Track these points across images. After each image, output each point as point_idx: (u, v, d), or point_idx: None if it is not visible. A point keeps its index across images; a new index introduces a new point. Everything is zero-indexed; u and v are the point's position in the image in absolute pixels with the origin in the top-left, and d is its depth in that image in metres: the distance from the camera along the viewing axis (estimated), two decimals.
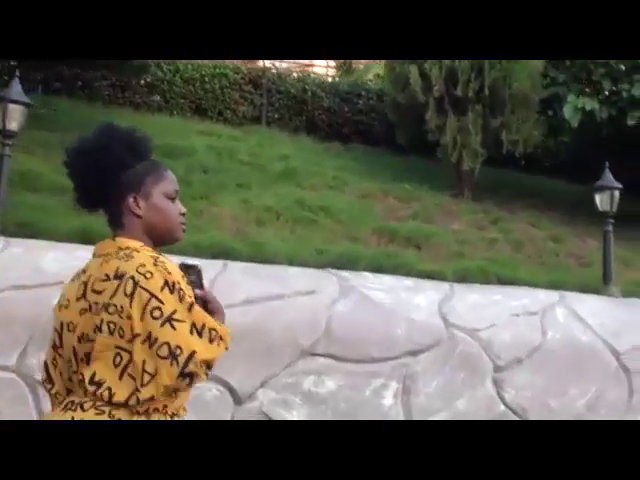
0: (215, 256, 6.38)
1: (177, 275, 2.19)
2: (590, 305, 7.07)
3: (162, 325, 2.11)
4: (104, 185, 2.31)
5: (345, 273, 6.58)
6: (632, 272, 8.58)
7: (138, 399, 2.12)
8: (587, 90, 9.33)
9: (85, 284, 2.25)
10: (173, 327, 2.11)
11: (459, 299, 6.62)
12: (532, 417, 6.30)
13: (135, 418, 2.16)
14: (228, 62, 11.39)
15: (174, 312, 2.13)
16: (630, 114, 9.03)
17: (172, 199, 2.38)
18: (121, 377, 2.15)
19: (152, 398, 2.13)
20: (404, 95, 9.68)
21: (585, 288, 7.48)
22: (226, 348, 2.21)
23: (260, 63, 11.73)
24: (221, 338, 2.19)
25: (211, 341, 2.17)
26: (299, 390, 5.82)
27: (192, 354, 2.10)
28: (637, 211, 10.78)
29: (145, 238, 2.32)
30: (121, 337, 2.15)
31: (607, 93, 9.30)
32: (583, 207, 9.89)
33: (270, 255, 6.73)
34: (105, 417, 2.14)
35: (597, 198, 7.67)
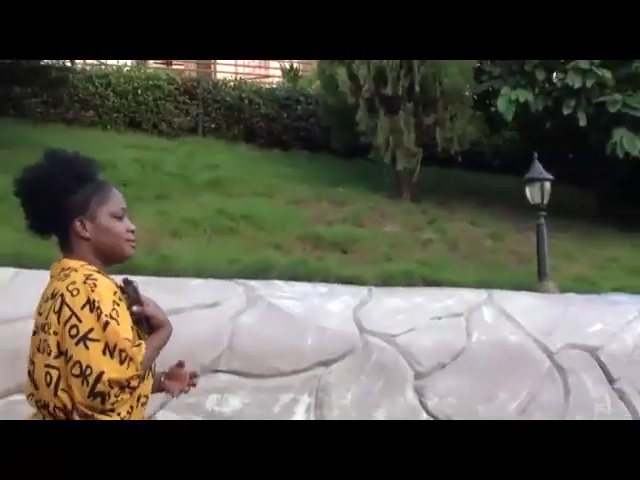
0: (120, 271, 5.98)
1: (105, 292, 2.24)
2: (521, 303, 6.69)
3: (77, 344, 2.16)
4: (51, 212, 2.36)
5: (254, 283, 6.19)
6: (577, 267, 8.22)
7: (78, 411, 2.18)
8: (522, 82, 8.95)
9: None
10: (86, 346, 2.16)
11: (376, 304, 6.24)
12: None
13: None
14: (162, 73, 11.07)
15: (90, 331, 2.17)
16: (566, 104, 8.68)
17: (119, 217, 2.44)
18: (55, 394, 2.20)
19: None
20: (335, 98, 9.32)
21: (519, 286, 7.12)
22: (137, 370, 2.22)
23: (195, 73, 11.40)
24: (131, 359, 2.20)
25: (122, 362, 2.18)
26: (201, 410, 5.39)
27: (100, 374, 2.14)
28: (587, 205, 10.48)
29: (94, 259, 2.38)
30: (49, 355, 2.21)
31: (541, 84, 8.94)
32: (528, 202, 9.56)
33: (177, 268, 6.35)
34: None
35: (527, 191, 7.31)
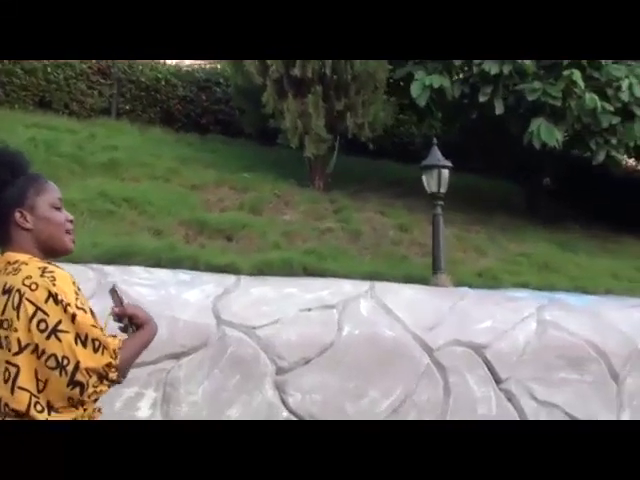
0: None
1: (65, 284, 2.22)
2: (406, 297, 6.25)
3: (48, 337, 2.16)
4: None
5: (110, 268, 5.73)
6: (485, 261, 7.81)
7: (37, 407, 2.17)
8: (439, 68, 8.51)
9: None
10: (58, 339, 2.16)
11: (242, 294, 5.78)
12: None
13: None
14: None
15: (58, 323, 2.16)
16: (482, 91, 8.24)
17: (58, 208, 2.40)
18: (13, 391, 2.17)
19: (49, 405, 2.18)
20: (243, 78, 8.84)
21: (412, 279, 6.68)
22: (112, 357, 2.22)
23: None
24: (105, 347, 2.21)
25: (95, 350, 2.19)
26: None
27: (77, 363, 2.15)
28: (516, 199, 10.10)
29: (36, 251, 2.33)
30: (9, 350, 2.18)
31: (459, 70, 8.52)
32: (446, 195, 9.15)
33: None
34: None
35: (424, 179, 6.86)
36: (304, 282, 6.12)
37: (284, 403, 5.46)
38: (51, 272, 2.23)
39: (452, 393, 5.90)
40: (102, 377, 2.22)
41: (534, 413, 6.12)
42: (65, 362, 2.16)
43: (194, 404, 5.27)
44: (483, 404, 5.98)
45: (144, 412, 5.16)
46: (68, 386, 2.17)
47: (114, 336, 2.32)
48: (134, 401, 5.14)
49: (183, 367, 5.28)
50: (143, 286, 5.56)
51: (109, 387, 2.28)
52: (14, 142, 8.20)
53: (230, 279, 5.93)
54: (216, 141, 10.22)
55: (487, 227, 8.70)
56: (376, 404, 5.66)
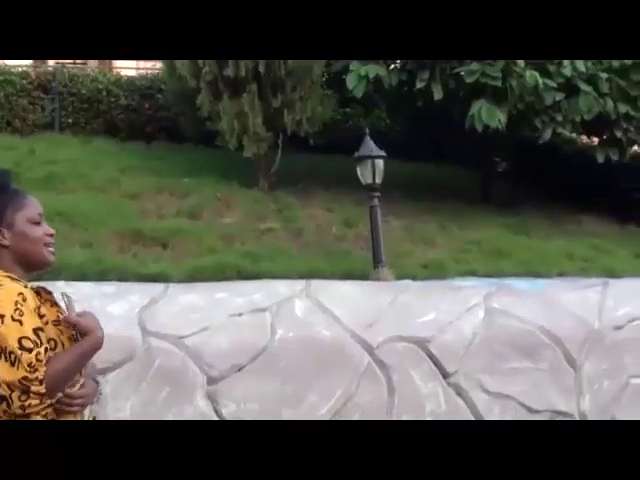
0: None
1: (5, 299, 2.21)
2: (344, 293, 6.02)
3: None
4: None
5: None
6: (433, 251, 7.59)
7: None
8: None
9: None
10: None
11: (169, 302, 5.55)
12: None
13: None
14: (13, 68, 10.29)
15: None
16: (419, 77, 8.00)
17: (37, 223, 2.43)
18: None
19: None
20: (178, 82, 8.60)
21: (352, 274, 6.46)
22: (27, 371, 2.18)
23: (50, 66, 10.66)
24: (19, 361, 2.17)
25: (12, 364, 2.17)
26: None
27: None
28: (470, 187, 9.88)
29: (15, 267, 2.37)
30: None
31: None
32: (395, 187, 8.94)
33: None
34: None
35: (358, 170, 6.64)
36: (235, 286, 5.89)
37: (217, 414, 5.24)
38: None
39: (397, 391, 5.67)
40: (25, 391, 2.19)
41: (486, 406, 5.91)
42: None
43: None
44: (431, 400, 5.76)
45: None
46: None
47: (52, 348, 2.31)
48: None
49: (109, 383, 5.04)
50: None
51: (42, 401, 2.21)
52: None
53: (158, 288, 5.69)
54: (162, 148, 9.96)
55: (438, 216, 8.47)
56: (316, 408, 5.44)
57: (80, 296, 5.35)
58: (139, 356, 5.18)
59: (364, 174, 6.54)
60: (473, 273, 6.93)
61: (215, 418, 5.20)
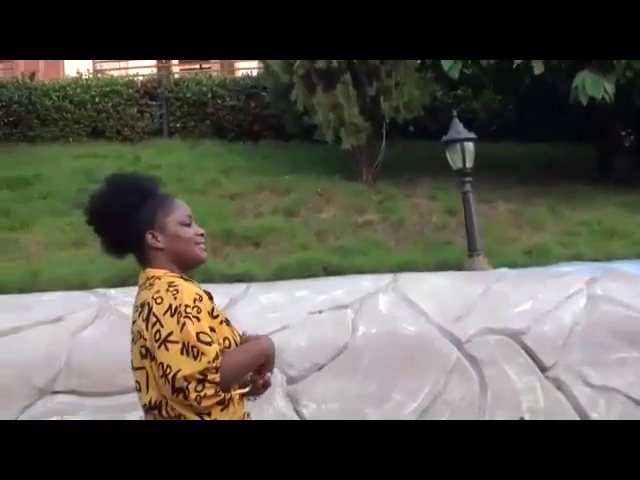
0: None
1: (186, 297, 2.33)
2: (432, 286, 5.77)
3: (159, 347, 2.31)
4: (121, 232, 2.49)
5: (113, 291, 5.55)
6: (540, 236, 7.20)
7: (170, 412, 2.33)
8: None
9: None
10: (167, 348, 2.30)
11: (249, 302, 5.47)
12: None
13: None
14: (119, 78, 10.57)
15: (170, 334, 2.30)
16: None
17: (187, 224, 2.54)
18: (147, 391, 2.38)
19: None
20: (272, 79, 8.55)
21: (447, 264, 6.20)
22: (209, 362, 2.29)
23: (155, 74, 10.88)
24: (203, 353, 2.29)
25: (195, 358, 2.29)
26: None
27: (177, 372, 2.27)
28: (585, 163, 9.35)
29: (172, 267, 2.49)
30: (146, 359, 2.37)
31: None
32: (505, 170, 8.60)
33: (45, 281, 5.83)
34: None
35: (448, 155, 6.35)
36: (319, 283, 5.76)
37: (298, 414, 5.11)
38: (175, 286, 2.37)
39: (489, 387, 5.37)
40: (202, 381, 2.30)
41: (590, 401, 5.50)
42: (168, 371, 2.29)
43: None
44: (527, 396, 5.41)
45: None
46: (173, 394, 2.30)
47: (227, 347, 2.44)
48: None
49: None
50: None
51: (216, 392, 2.32)
52: (58, 175, 8.33)
53: (239, 288, 5.64)
54: (268, 147, 9.99)
55: (549, 198, 8.04)
56: (402, 407, 5.22)
57: None
58: None
59: (454, 159, 6.26)
60: (579, 257, 6.51)
61: (296, 418, 5.08)
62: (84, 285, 5.79)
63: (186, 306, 2.34)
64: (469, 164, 6.24)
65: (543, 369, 5.50)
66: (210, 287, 5.56)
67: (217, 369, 2.32)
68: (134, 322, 2.45)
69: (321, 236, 6.93)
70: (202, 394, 2.31)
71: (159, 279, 2.44)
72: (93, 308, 5.36)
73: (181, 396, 2.31)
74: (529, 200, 8.04)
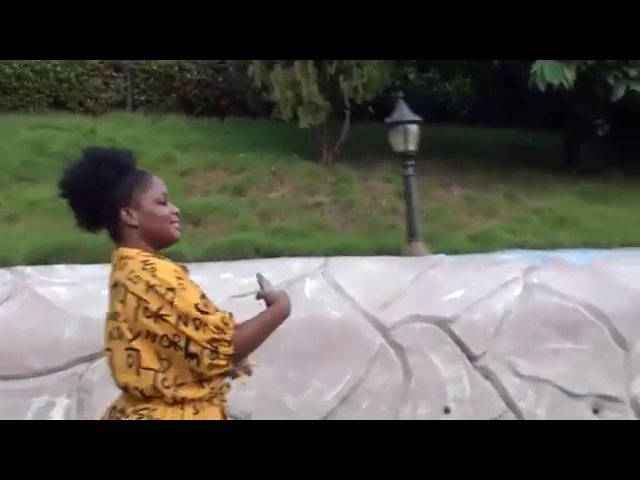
0: None
1: (164, 274, 2.37)
2: (363, 271, 5.63)
3: (155, 321, 2.34)
4: (98, 207, 2.50)
5: (29, 269, 5.42)
6: (491, 222, 7.05)
7: (165, 383, 2.37)
8: None
9: None
10: (165, 320, 2.34)
11: None
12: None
13: (171, 410, 2.40)
14: None
15: (160, 309, 2.34)
16: None
17: (163, 203, 2.57)
18: (138, 373, 2.38)
19: (176, 381, 2.39)
20: None
21: (383, 249, 6.06)
22: (214, 332, 2.38)
23: None
24: (205, 324, 2.35)
25: (197, 329, 2.35)
26: None
27: (188, 338, 2.33)
28: (553, 151, 9.18)
29: (146, 245, 2.51)
30: (125, 339, 2.38)
31: None
32: (467, 155, 8.44)
33: None
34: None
35: (390, 137, 6.18)
36: (246, 265, 5.61)
37: None
38: (152, 264, 2.40)
39: (413, 375, 5.25)
40: (214, 351, 2.36)
41: (519, 391, 5.39)
42: (177, 339, 2.33)
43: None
44: (454, 385, 5.30)
45: None
46: (186, 358, 2.35)
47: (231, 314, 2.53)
48: (45, 410, 4.82)
49: (97, 370, 4.89)
50: (59, 285, 5.23)
51: (228, 363, 2.41)
52: (8, 146, 8.17)
53: None
54: (233, 123, 9.80)
55: (508, 184, 7.88)
56: (321, 395, 5.11)
57: (76, 279, 5.31)
58: None
59: (396, 141, 6.09)
60: (524, 245, 6.36)
61: None
62: (6, 262, 5.64)
63: (168, 283, 2.36)
64: (412, 147, 6.07)
65: (471, 358, 5.38)
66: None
67: (229, 342, 2.41)
68: (110, 301, 2.48)
69: (265, 217, 6.80)
70: (214, 363, 2.38)
71: (132, 259, 2.44)
72: (7, 286, 5.22)
73: (194, 361, 2.36)
74: (487, 186, 7.89)
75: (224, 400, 2.65)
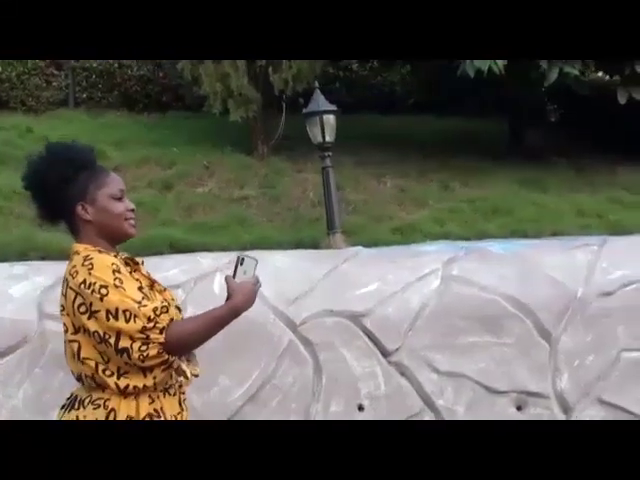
0: None
1: (100, 269, 2.44)
2: (274, 265, 5.45)
3: (89, 318, 2.44)
4: (55, 201, 2.59)
5: None
6: (419, 213, 6.94)
7: (107, 372, 2.46)
8: None
9: None
10: (95, 318, 2.43)
11: None
12: None
13: (125, 400, 2.47)
14: None
15: (91, 304, 2.42)
16: None
17: (118, 198, 2.62)
18: (82, 363, 2.49)
19: (120, 371, 2.45)
20: None
21: (301, 243, 5.94)
22: (145, 322, 2.41)
23: None
24: (135, 315, 2.39)
25: (127, 320, 2.39)
26: None
27: (118, 333, 2.40)
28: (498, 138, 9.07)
29: (100, 241, 2.58)
30: (69, 332, 2.52)
31: None
32: (404, 144, 8.32)
33: None
34: (101, 410, 2.48)
35: (308, 129, 6.06)
36: (156, 261, 5.45)
37: None
38: (90, 259, 2.48)
39: (324, 371, 5.13)
40: (145, 341, 2.40)
41: (436, 387, 5.27)
42: (107, 336, 2.40)
43: (17, 410, 4.77)
44: (367, 381, 5.18)
45: None
46: (117, 355, 2.41)
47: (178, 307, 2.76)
48: None
49: (0, 369, 4.77)
50: None
51: (159, 352, 2.42)
52: None
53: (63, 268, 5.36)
54: (176, 118, 9.68)
55: (444, 174, 7.77)
56: (229, 392, 4.99)
57: None
58: (32, 340, 4.87)
59: (313, 132, 5.98)
60: (449, 236, 6.25)
61: None
62: None
63: (103, 279, 2.43)
64: (329, 138, 5.96)
65: (385, 354, 5.26)
66: (38, 265, 5.36)
67: (161, 330, 2.43)
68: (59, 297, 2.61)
69: (189, 211, 6.68)
70: (145, 354, 2.41)
71: (78, 254, 2.54)
72: None
73: (125, 356, 2.41)
74: (424, 176, 7.79)
75: (183, 392, 2.77)
